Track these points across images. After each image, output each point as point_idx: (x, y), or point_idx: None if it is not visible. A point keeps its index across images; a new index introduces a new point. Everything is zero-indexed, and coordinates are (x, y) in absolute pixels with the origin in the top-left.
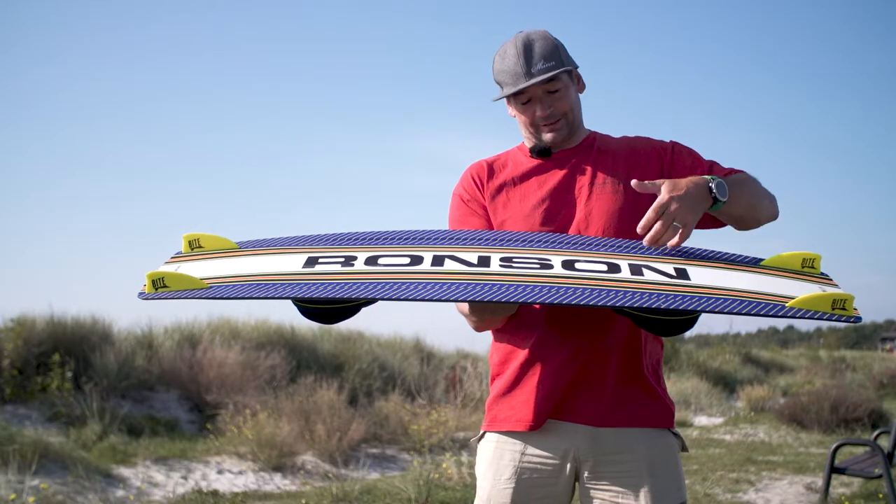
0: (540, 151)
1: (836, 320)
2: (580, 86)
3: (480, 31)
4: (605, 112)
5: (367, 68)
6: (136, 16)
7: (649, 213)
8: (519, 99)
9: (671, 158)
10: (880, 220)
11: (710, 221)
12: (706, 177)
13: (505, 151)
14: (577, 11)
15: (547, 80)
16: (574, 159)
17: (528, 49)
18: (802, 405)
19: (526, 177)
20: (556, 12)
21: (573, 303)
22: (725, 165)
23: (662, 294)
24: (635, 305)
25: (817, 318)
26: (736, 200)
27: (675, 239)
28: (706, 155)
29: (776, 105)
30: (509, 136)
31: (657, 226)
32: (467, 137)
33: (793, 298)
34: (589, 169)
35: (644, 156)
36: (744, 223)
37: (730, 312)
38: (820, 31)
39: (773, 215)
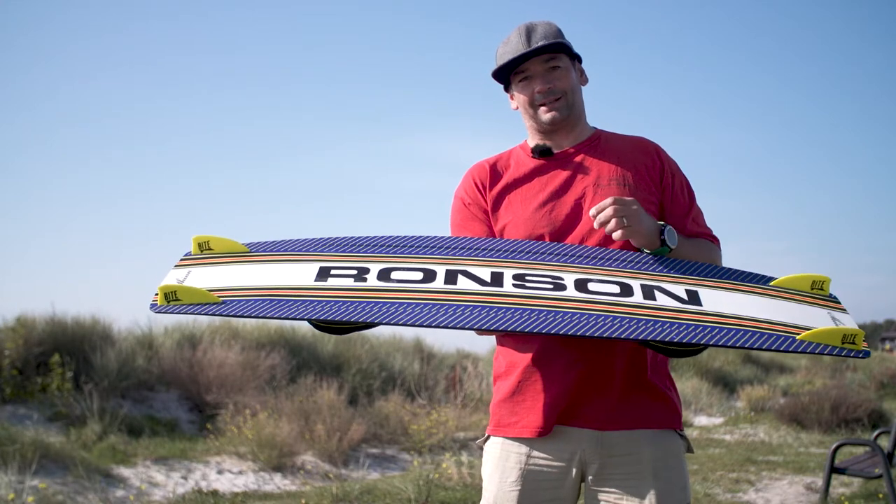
0: (542, 152)
1: (845, 355)
2: (583, 79)
3: (481, 32)
4: (605, 112)
5: (366, 69)
6: (136, 16)
7: (608, 199)
8: (518, 77)
9: (671, 195)
10: (880, 220)
11: None
12: (668, 228)
13: (507, 150)
14: (579, 11)
15: (547, 53)
16: (577, 158)
17: (529, 31)
18: (802, 405)
19: (528, 178)
20: (557, 12)
21: (587, 334)
22: (708, 224)
23: (675, 323)
24: (649, 338)
25: (827, 353)
26: (677, 255)
27: (618, 233)
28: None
29: (776, 105)
30: (510, 136)
31: (609, 210)
32: (466, 138)
33: (803, 328)
34: (593, 168)
35: (647, 168)
36: None
37: (742, 346)
38: (820, 31)
39: None
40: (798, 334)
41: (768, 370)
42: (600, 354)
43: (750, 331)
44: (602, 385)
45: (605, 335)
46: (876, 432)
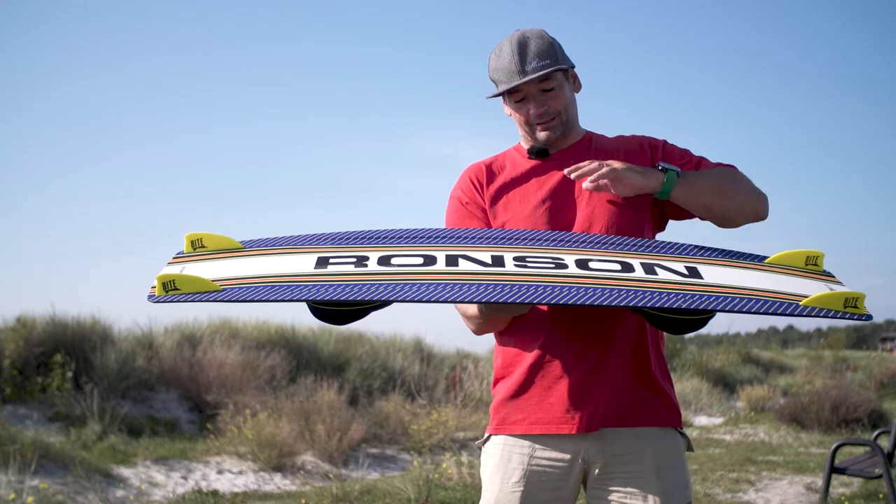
0: (538, 153)
1: (847, 318)
2: (576, 85)
3: (481, 31)
4: (605, 112)
5: (365, 69)
6: (137, 16)
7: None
8: (513, 97)
9: (661, 156)
10: (880, 220)
11: (680, 211)
12: (661, 164)
13: (502, 152)
14: (579, 11)
15: (540, 79)
16: (572, 159)
17: (522, 47)
18: (802, 405)
19: (525, 178)
20: (559, 11)
21: (595, 303)
22: (721, 161)
23: (680, 293)
24: (655, 306)
25: (830, 317)
26: (697, 188)
27: (604, 182)
28: (708, 156)
29: (776, 105)
30: (509, 136)
31: (595, 164)
32: (467, 138)
33: (804, 296)
34: None
35: (638, 156)
36: (714, 215)
37: (747, 311)
38: (820, 31)
39: (754, 213)
40: (800, 300)
41: (768, 370)
42: (602, 351)
43: (753, 298)
44: (605, 382)
45: (611, 304)
46: (876, 432)
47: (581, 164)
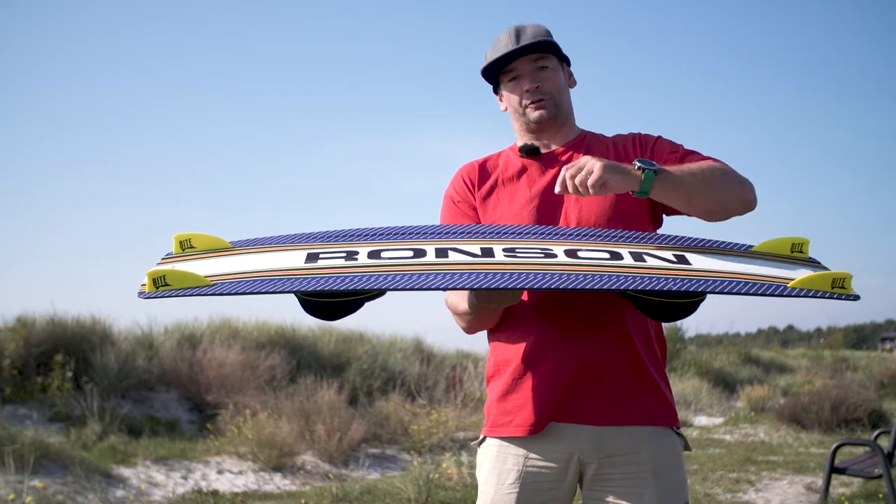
0: (529, 151)
1: (836, 299)
2: (571, 81)
3: (481, 31)
4: (605, 113)
5: (365, 69)
6: (137, 16)
7: (562, 172)
8: (507, 76)
9: (651, 152)
10: (880, 220)
11: (668, 208)
12: (637, 162)
13: (497, 152)
14: (579, 13)
15: (536, 52)
16: (563, 158)
17: (519, 31)
18: (802, 405)
19: (516, 177)
20: (559, 11)
21: (585, 287)
22: (706, 154)
23: (668, 278)
24: (645, 288)
25: (818, 297)
26: (676, 185)
27: (591, 179)
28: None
29: (776, 105)
30: (507, 137)
31: (567, 173)
32: (466, 138)
33: (792, 279)
34: None
35: (628, 158)
36: (699, 210)
37: (736, 293)
38: (821, 31)
39: (741, 203)
40: (788, 283)
41: (768, 370)
42: (593, 350)
43: (742, 281)
44: (597, 381)
45: (601, 287)
46: (876, 432)
47: (569, 167)
